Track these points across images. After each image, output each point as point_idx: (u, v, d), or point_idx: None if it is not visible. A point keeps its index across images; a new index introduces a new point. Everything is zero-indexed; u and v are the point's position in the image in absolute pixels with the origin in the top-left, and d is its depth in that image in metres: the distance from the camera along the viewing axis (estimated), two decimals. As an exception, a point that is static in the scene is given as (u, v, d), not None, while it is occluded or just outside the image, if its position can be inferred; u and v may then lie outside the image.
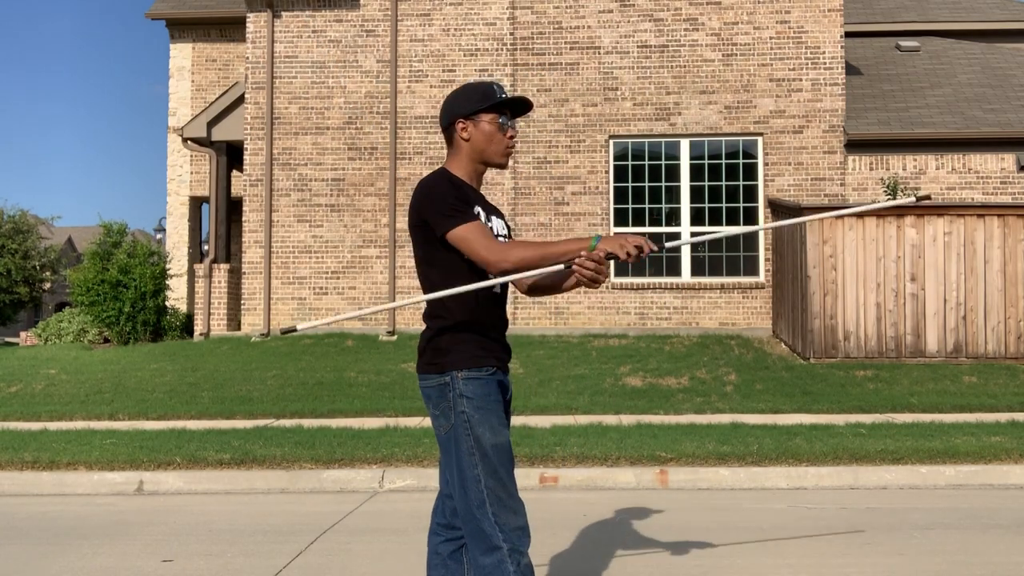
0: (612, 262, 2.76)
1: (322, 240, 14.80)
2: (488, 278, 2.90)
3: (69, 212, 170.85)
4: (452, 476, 2.95)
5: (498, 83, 3.05)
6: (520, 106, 3.06)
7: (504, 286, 3.02)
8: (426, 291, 2.98)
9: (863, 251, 12.09)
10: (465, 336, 2.94)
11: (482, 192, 3.15)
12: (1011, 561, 4.71)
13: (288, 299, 14.75)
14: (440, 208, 2.86)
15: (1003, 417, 9.04)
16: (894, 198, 13.21)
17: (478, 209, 2.96)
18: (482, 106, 2.98)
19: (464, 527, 2.93)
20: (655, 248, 2.80)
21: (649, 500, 6.31)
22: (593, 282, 2.76)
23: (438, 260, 2.95)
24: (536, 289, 3.19)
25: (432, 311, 2.98)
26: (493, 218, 3.06)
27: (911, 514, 5.84)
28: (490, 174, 13.78)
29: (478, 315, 2.96)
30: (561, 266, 2.78)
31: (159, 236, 29.33)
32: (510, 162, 3.17)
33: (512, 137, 3.04)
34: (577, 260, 2.74)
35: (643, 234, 3.15)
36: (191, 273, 18.35)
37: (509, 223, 3.26)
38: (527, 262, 2.79)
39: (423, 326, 3.07)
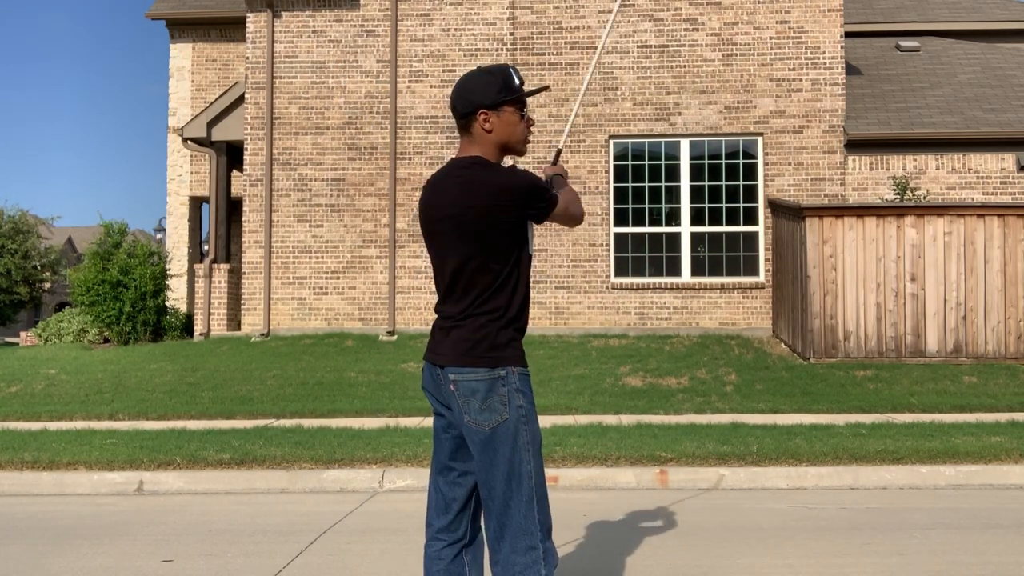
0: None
1: (322, 240, 14.80)
2: (529, 267, 3.03)
3: (69, 212, 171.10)
4: (493, 473, 2.86)
5: (513, 67, 2.99)
6: (538, 90, 3.08)
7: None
8: (486, 285, 2.90)
9: (863, 251, 12.09)
10: (516, 334, 2.94)
11: None
12: (1011, 561, 4.71)
13: (288, 299, 14.76)
14: (544, 194, 2.92)
15: (1003, 417, 9.04)
16: (902, 198, 13.21)
17: None
18: (506, 98, 2.95)
19: (494, 521, 2.86)
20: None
21: (649, 500, 6.31)
22: None
23: (512, 255, 2.92)
24: None
25: (489, 306, 2.89)
26: None
27: (911, 514, 5.84)
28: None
29: (525, 314, 2.98)
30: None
31: (159, 236, 29.36)
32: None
33: (531, 124, 3.04)
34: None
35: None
36: (191, 273, 18.35)
37: None
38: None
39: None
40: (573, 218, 3.07)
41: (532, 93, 3.02)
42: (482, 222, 2.85)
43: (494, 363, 2.86)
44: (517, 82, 2.96)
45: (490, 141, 2.97)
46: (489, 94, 2.93)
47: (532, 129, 3.05)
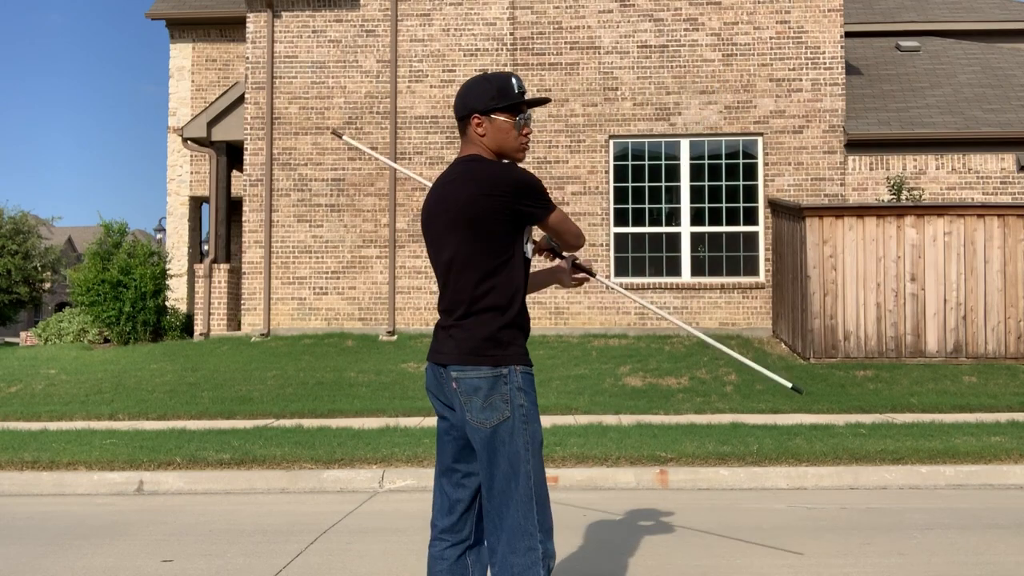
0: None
1: (322, 240, 14.80)
2: (527, 269, 3.06)
3: (69, 212, 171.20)
4: (493, 472, 2.87)
5: (517, 76, 3.00)
6: (535, 101, 3.05)
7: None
8: (474, 284, 2.88)
9: (863, 251, 12.09)
10: (520, 333, 2.95)
11: None
12: (1011, 561, 4.71)
13: (288, 299, 14.76)
14: (540, 195, 2.91)
15: (1003, 417, 9.05)
16: (898, 198, 13.20)
17: None
18: (498, 104, 2.96)
19: (494, 523, 2.86)
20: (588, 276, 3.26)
21: (649, 500, 6.31)
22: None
23: (503, 251, 2.90)
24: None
25: (485, 304, 2.89)
26: None
27: (911, 514, 5.84)
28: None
29: (525, 313, 2.99)
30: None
31: (159, 236, 29.35)
32: (525, 157, 3.11)
33: (527, 133, 3.02)
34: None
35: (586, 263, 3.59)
36: (191, 273, 18.35)
37: None
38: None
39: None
40: (570, 234, 3.11)
41: (529, 103, 3.01)
42: (470, 213, 2.87)
43: (496, 362, 2.87)
44: (515, 91, 2.97)
45: (484, 145, 3.00)
46: (483, 100, 2.97)
47: (529, 137, 3.04)
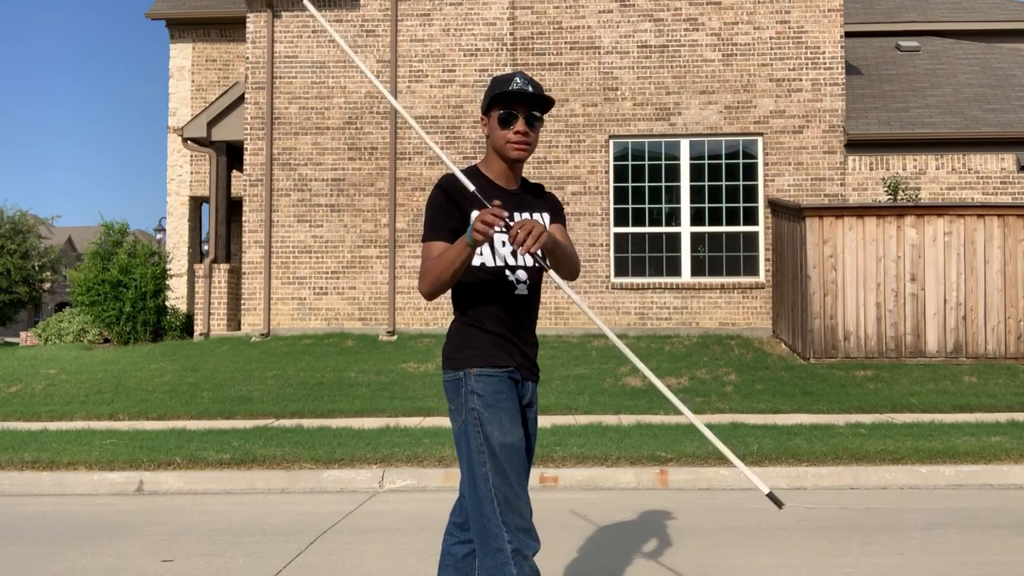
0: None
1: (322, 240, 14.80)
2: (519, 268, 2.95)
3: (69, 212, 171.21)
4: (462, 472, 2.97)
5: (522, 75, 2.96)
6: (529, 98, 2.92)
7: (533, 288, 3.03)
8: (452, 289, 3.02)
9: (863, 251, 12.09)
10: (481, 334, 2.95)
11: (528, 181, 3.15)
12: (1011, 561, 4.71)
13: (288, 299, 14.76)
14: (426, 220, 2.97)
15: (1003, 417, 9.05)
16: (894, 199, 13.21)
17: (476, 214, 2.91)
18: (485, 103, 3.01)
19: (472, 526, 2.91)
20: (506, 218, 2.64)
21: (649, 500, 6.31)
22: (486, 231, 2.61)
23: None
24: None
25: (454, 308, 3.04)
26: (517, 216, 3.02)
27: (911, 514, 5.84)
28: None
29: (495, 313, 2.95)
30: (465, 256, 2.73)
31: (159, 236, 29.34)
32: (521, 156, 2.97)
33: (518, 132, 2.94)
34: (475, 227, 2.62)
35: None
36: (191, 273, 18.35)
37: (560, 213, 3.19)
38: (434, 282, 2.81)
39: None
40: (421, 272, 2.91)
41: (510, 95, 2.91)
42: None
43: (454, 365, 2.97)
44: (508, 86, 2.92)
45: (488, 145, 3.05)
46: (484, 100, 3.03)
47: (520, 136, 2.94)
